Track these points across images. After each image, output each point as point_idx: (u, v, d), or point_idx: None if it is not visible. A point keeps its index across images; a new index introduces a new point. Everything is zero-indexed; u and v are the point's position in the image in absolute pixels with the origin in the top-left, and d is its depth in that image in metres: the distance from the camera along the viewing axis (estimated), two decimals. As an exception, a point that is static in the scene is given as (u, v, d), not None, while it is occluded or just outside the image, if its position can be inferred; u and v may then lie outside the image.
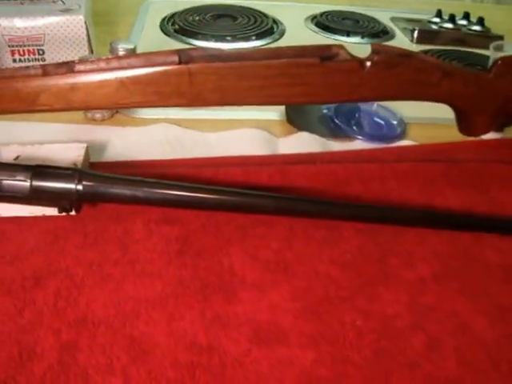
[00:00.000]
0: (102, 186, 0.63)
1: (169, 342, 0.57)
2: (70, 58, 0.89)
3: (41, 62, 0.92)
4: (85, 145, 0.75)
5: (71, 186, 0.62)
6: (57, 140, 0.80)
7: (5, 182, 0.62)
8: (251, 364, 0.54)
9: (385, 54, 0.59)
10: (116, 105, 0.64)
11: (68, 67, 0.64)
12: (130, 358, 0.55)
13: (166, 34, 1.15)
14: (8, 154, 0.73)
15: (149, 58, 0.65)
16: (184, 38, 1.12)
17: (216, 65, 0.64)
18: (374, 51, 0.59)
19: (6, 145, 0.76)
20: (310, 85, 0.64)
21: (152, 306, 0.60)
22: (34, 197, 0.62)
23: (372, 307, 0.61)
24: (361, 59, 0.59)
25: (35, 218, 0.70)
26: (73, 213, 0.69)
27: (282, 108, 0.97)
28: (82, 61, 0.59)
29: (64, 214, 0.68)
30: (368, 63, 0.59)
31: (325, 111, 1.00)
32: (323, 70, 0.62)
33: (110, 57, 0.64)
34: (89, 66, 0.63)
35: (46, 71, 0.62)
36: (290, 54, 0.65)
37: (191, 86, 0.63)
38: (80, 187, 0.62)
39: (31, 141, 0.80)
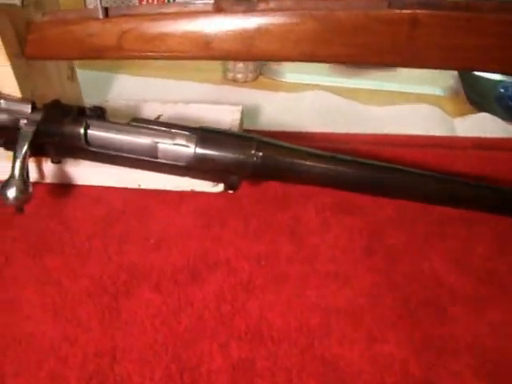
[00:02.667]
0: (283, 159, 0.47)
1: (373, 370, 0.43)
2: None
3: None
4: (240, 107, 0.60)
5: (247, 156, 0.46)
6: (194, 100, 0.66)
7: (162, 146, 0.47)
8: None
9: None
10: (307, 57, 0.48)
11: (248, 5, 0.48)
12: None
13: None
14: (149, 113, 0.59)
15: (351, 1, 0.48)
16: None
17: (446, 14, 0.46)
18: None
19: (145, 102, 0.61)
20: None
21: (344, 319, 0.46)
22: (197, 167, 0.47)
23: None
24: None
25: (181, 194, 0.56)
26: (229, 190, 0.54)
27: (448, 83, 0.80)
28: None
29: (218, 190, 0.56)
30: None
31: (501, 90, 0.80)
32: None
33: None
34: (273, 5, 0.47)
35: (220, 8, 0.47)
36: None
37: (410, 39, 0.47)
38: (257, 159, 0.46)
39: (166, 99, 0.65)
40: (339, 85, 0.77)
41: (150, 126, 0.49)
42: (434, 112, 0.74)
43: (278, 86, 0.77)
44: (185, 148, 0.48)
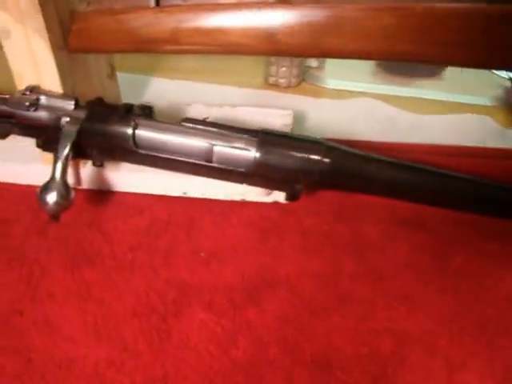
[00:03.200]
0: (352, 166, 0.42)
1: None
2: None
3: None
4: (290, 111, 0.55)
5: (315, 162, 0.41)
6: (236, 103, 0.61)
7: (218, 149, 0.42)
8: None
9: None
10: (377, 55, 0.43)
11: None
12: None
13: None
14: (194, 115, 0.53)
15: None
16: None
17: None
18: None
19: (189, 104, 0.57)
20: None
21: (418, 345, 0.41)
22: (257, 173, 0.42)
23: None
24: None
25: (231, 204, 0.51)
26: (281, 200, 0.49)
27: (497, 93, 0.77)
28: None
29: (271, 200, 0.52)
30: None
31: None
32: None
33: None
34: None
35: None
36: None
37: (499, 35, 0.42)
38: (324, 165, 0.41)
39: (208, 102, 0.60)
40: (383, 92, 0.73)
41: (205, 127, 0.44)
42: (486, 122, 0.70)
43: (320, 93, 0.73)
44: (244, 152, 0.43)
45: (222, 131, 0.44)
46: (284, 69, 0.70)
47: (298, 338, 0.41)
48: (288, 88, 0.72)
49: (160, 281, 0.45)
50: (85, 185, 0.51)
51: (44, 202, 0.41)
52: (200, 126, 0.44)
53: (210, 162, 0.44)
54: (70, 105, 0.44)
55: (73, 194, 0.43)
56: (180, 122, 0.45)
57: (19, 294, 0.43)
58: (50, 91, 0.45)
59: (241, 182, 0.45)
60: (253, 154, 0.43)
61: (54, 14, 0.43)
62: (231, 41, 0.42)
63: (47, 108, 0.44)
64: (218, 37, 0.42)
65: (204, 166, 0.44)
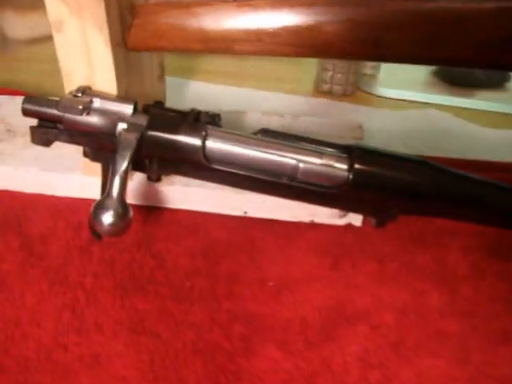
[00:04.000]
0: (456, 188, 0.36)
1: None
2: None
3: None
4: (361, 124, 0.49)
5: (419, 183, 0.35)
6: (284, 111, 0.55)
7: (305, 166, 0.36)
8: None
9: None
10: (441, 60, 0.37)
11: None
12: None
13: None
14: (251, 125, 0.48)
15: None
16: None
17: None
18: None
19: (243, 112, 0.51)
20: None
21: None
22: (350, 195, 0.36)
23: None
24: None
25: (297, 226, 0.45)
26: (355, 223, 0.43)
27: None
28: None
29: (342, 223, 0.47)
30: None
31: None
32: None
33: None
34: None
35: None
36: None
37: None
38: (430, 189, 0.36)
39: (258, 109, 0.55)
40: (440, 103, 0.67)
41: (287, 141, 0.38)
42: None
43: (377, 102, 0.67)
44: (336, 170, 0.37)
45: (308, 146, 0.38)
46: (340, 75, 0.64)
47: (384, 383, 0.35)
48: (341, 96, 0.66)
49: (224, 313, 0.39)
50: (131, 200, 0.46)
51: (99, 223, 0.35)
52: (281, 140, 0.38)
53: (294, 180, 0.38)
54: (127, 109, 0.38)
55: (131, 213, 0.37)
56: (255, 133, 0.39)
57: (63, 325, 0.38)
58: (104, 93, 0.39)
59: (327, 204, 0.40)
60: (346, 172, 0.37)
61: (116, 5, 0.37)
62: (324, 42, 0.36)
63: (101, 112, 0.38)
64: (310, 37, 0.36)
65: (285, 186, 0.38)
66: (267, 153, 0.37)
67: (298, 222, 0.46)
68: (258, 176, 0.38)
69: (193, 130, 0.37)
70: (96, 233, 0.43)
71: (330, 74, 0.65)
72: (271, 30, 0.36)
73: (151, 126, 0.38)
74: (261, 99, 0.62)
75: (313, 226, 0.46)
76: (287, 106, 0.61)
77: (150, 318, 0.39)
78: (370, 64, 0.69)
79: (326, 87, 0.66)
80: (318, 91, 0.67)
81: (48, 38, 0.82)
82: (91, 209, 0.36)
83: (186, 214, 0.47)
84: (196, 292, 0.40)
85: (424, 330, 0.39)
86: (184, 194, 0.45)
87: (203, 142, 0.37)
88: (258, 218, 0.46)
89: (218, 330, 0.38)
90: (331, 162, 0.37)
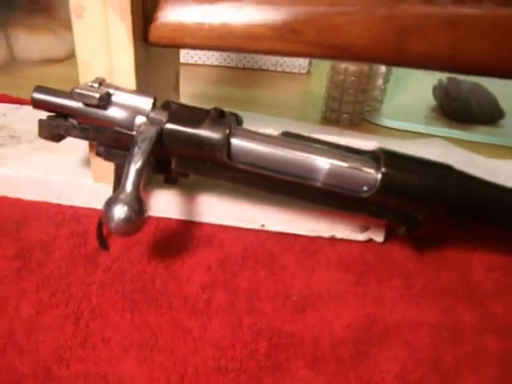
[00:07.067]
0: (483, 194, 0.35)
1: None
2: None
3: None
4: (375, 144, 0.48)
5: (447, 188, 0.34)
6: None
7: (333, 168, 0.34)
8: None
9: None
10: None
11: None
12: None
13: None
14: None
15: None
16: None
17: None
18: None
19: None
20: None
21: None
22: (378, 199, 0.34)
23: None
24: None
25: (316, 241, 0.42)
26: (377, 238, 0.41)
27: None
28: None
29: (364, 238, 0.44)
30: None
31: None
32: None
33: None
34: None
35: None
36: None
37: None
38: (459, 192, 0.34)
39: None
40: (441, 134, 0.67)
41: (312, 143, 0.36)
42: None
43: (382, 132, 0.66)
44: (364, 173, 0.35)
45: (333, 149, 0.36)
46: (348, 104, 0.63)
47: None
48: (347, 125, 0.65)
49: (246, 328, 0.35)
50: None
51: (110, 218, 0.32)
52: (306, 142, 0.36)
53: (321, 183, 0.35)
54: (147, 103, 0.36)
55: (147, 212, 0.33)
56: (279, 135, 0.37)
57: (65, 338, 0.33)
58: (122, 87, 0.36)
59: (353, 209, 0.37)
60: (374, 175, 0.35)
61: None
62: (348, 42, 0.35)
63: (120, 105, 0.35)
64: (334, 36, 0.35)
65: (310, 188, 0.35)
66: (294, 153, 0.35)
67: (317, 237, 0.43)
68: (283, 177, 0.35)
69: (217, 126, 0.35)
70: (103, 242, 0.39)
71: (337, 103, 0.64)
72: (294, 28, 0.35)
73: (172, 119, 0.35)
74: (269, 123, 0.60)
75: (333, 240, 0.43)
76: (295, 131, 0.59)
77: (164, 332, 0.35)
78: (374, 95, 0.69)
79: (333, 116, 0.65)
80: (325, 120, 0.65)
81: (57, 60, 0.81)
82: (103, 204, 0.33)
83: (198, 225, 0.44)
84: (214, 306, 0.37)
85: (461, 347, 0.36)
86: (196, 204, 0.42)
87: (228, 139, 0.35)
88: (275, 232, 0.43)
89: (241, 346, 0.34)
90: (359, 165, 0.35)
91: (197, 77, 0.84)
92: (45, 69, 0.81)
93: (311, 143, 0.37)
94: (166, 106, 0.36)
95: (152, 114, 0.36)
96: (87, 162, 0.46)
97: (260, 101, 0.74)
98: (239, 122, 0.38)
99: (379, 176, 0.35)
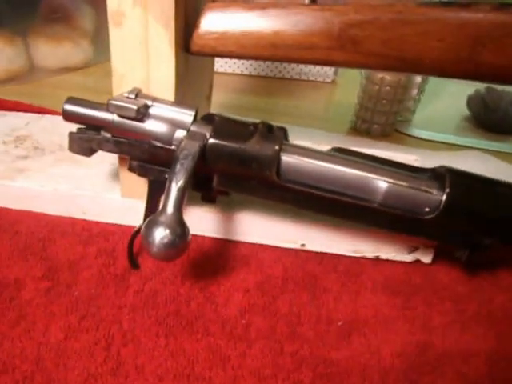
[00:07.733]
0: None
1: None
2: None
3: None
4: (416, 158, 0.47)
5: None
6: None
7: (393, 188, 0.32)
8: None
9: None
10: None
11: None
12: None
13: None
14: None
15: None
16: None
17: None
18: None
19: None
20: None
21: None
22: (441, 222, 0.31)
23: None
24: None
25: (360, 262, 0.39)
26: (424, 259, 0.38)
27: None
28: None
29: (410, 260, 0.42)
30: None
31: None
32: None
33: None
34: None
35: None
36: None
37: None
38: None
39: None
40: (473, 145, 0.64)
41: (368, 162, 0.34)
42: None
43: (415, 143, 0.63)
44: (427, 194, 0.32)
45: (391, 167, 0.34)
46: (381, 115, 0.61)
47: None
48: (378, 136, 0.62)
49: (288, 356, 0.33)
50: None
51: (150, 242, 0.30)
52: (360, 159, 0.34)
53: (378, 203, 0.33)
54: (188, 116, 0.33)
55: (190, 234, 0.31)
56: (329, 151, 0.34)
57: (96, 365, 0.31)
58: (161, 99, 0.34)
59: (413, 232, 0.35)
60: (439, 197, 0.32)
61: (183, 0, 0.33)
62: (415, 55, 0.32)
63: (157, 118, 0.33)
64: (398, 48, 0.32)
65: (367, 209, 0.33)
66: (350, 172, 0.33)
67: (361, 258, 0.41)
68: (336, 197, 0.33)
69: (266, 142, 0.32)
70: (134, 261, 0.37)
71: (369, 113, 0.62)
72: (355, 37, 0.32)
73: (217, 134, 0.33)
74: (297, 134, 0.57)
75: (377, 262, 0.41)
76: (327, 142, 0.57)
77: (200, 360, 0.32)
78: (408, 106, 0.67)
79: (363, 126, 0.62)
80: (354, 130, 0.63)
81: (75, 69, 0.80)
82: (142, 227, 0.31)
83: (234, 244, 0.41)
84: (253, 331, 0.34)
85: (518, 380, 0.33)
86: (232, 222, 0.40)
87: (278, 156, 0.32)
88: (316, 252, 0.41)
89: (284, 376, 0.32)
90: (422, 185, 0.32)
91: (220, 86, 0.82)
92: (63, 77, 0.80)
93: (366, 160, 0.34)
94: (209, 119, 0.34)
95: (194, 128, 0.33)
96: (113, 176, 0.43)
97: (284, 110, 0.72)
98: (286, 137, 0.35)
99: (444, 197, 0.32)
